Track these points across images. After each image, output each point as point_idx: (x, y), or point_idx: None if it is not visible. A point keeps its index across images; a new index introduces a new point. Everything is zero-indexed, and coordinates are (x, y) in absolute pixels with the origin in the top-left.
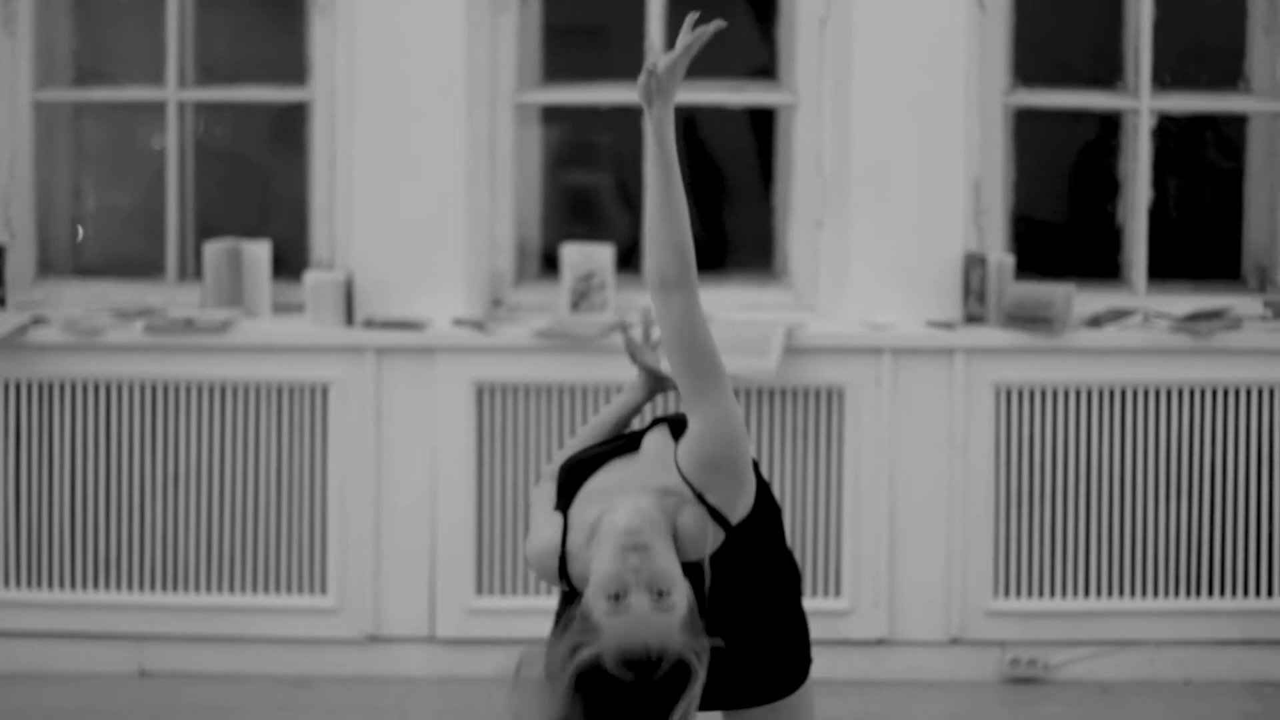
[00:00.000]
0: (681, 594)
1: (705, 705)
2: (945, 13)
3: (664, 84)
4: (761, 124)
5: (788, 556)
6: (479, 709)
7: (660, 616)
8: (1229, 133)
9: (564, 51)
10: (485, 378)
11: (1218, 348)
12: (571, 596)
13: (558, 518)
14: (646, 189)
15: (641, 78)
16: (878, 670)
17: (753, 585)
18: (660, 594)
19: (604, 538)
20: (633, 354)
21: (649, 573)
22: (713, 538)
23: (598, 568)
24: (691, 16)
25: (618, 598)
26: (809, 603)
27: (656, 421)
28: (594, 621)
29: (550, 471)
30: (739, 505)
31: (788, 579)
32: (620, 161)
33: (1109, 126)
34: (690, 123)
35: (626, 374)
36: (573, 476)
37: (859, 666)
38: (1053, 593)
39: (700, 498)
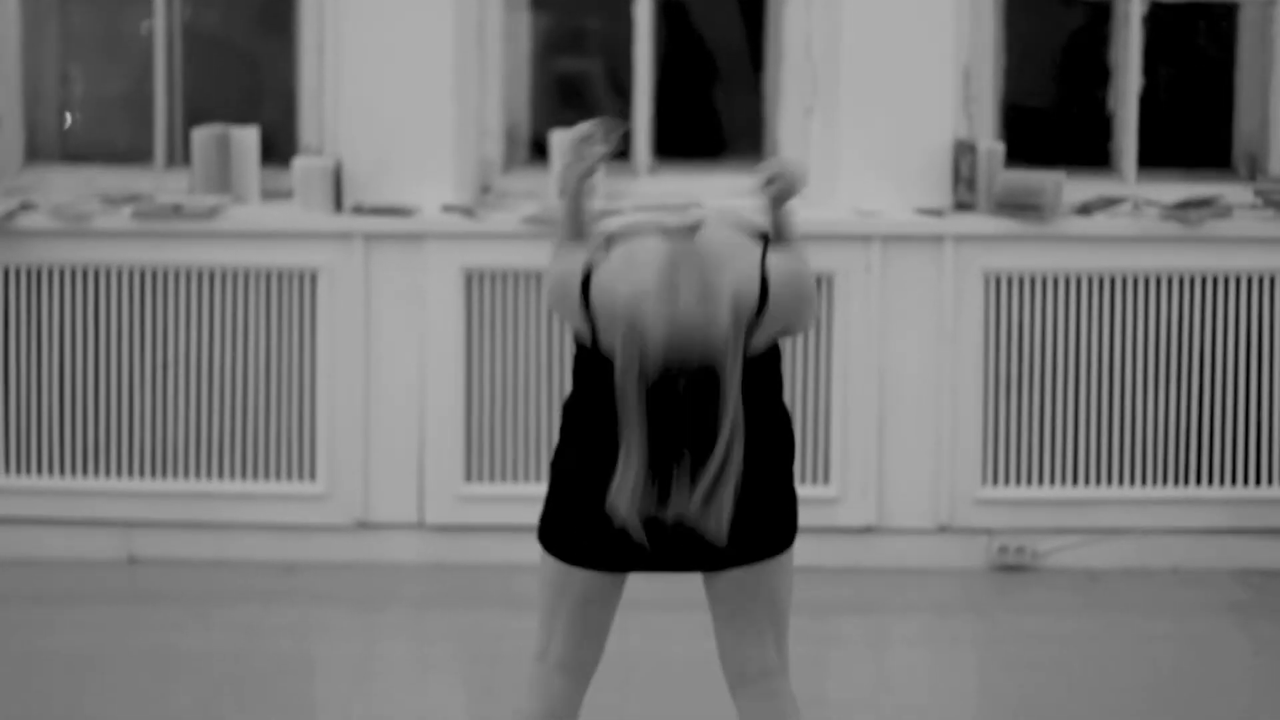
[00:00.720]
0: (727, 310)
1: (686, 565)
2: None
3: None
4: (751, 10)
5: (786, 418)
6: (467, 595)
7: (706, 308)
8: (1219, 20)
9: None
10: (474, 264)
11: (1207, 236)
12: (582, 357)
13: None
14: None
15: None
16: (866, 557)
17: (756, 432)
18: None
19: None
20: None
21: (702, 269)
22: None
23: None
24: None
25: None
26: (798, 489)
27: None
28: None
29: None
30: (790, 318)
31: (784, 439)
32: (610, 47)
33: (1099, 13)
34: (681, 10)
35: None
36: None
37: (847, 553)
38: (1041, 481)
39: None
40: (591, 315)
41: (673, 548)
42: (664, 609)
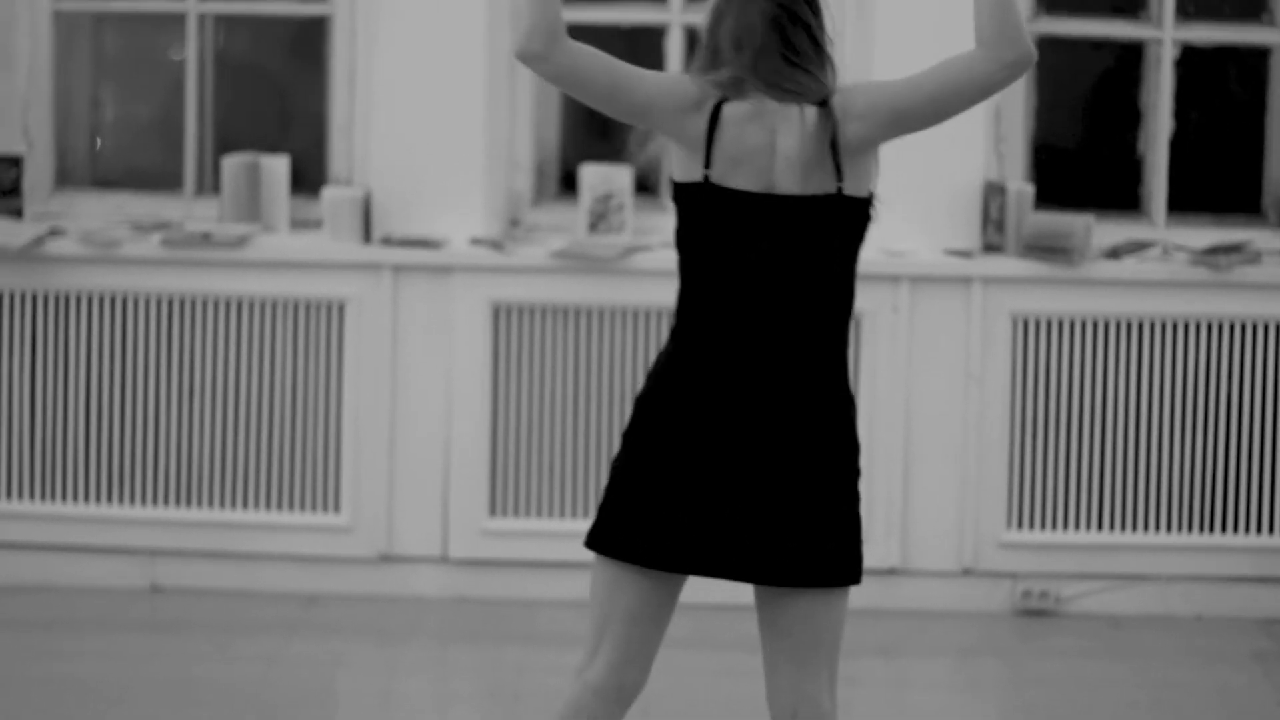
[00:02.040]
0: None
1: (747, 573)
2: None
3: None
4: None
5: (857, 446)
6: (489, 630)
7: None
8: (1251, 64)
9: None
10: (502, 297)
11: (1236, 281)
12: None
13: None
14: None
15: None
16: (889, 599)
17: (830, 454)
18: None
19: None
20: None
21: None
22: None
23: None
24: None
25: None
26: None
27: None
28: None
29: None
30: (864, 153)
31: (854, 467)
32: None
33: (1129, 55)
34: None
35: (643, 296)
36: None
37: (870, 595)
38: (1066, 525)
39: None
40: (713, 142)
41: (736, 552)
42: (686, 647)
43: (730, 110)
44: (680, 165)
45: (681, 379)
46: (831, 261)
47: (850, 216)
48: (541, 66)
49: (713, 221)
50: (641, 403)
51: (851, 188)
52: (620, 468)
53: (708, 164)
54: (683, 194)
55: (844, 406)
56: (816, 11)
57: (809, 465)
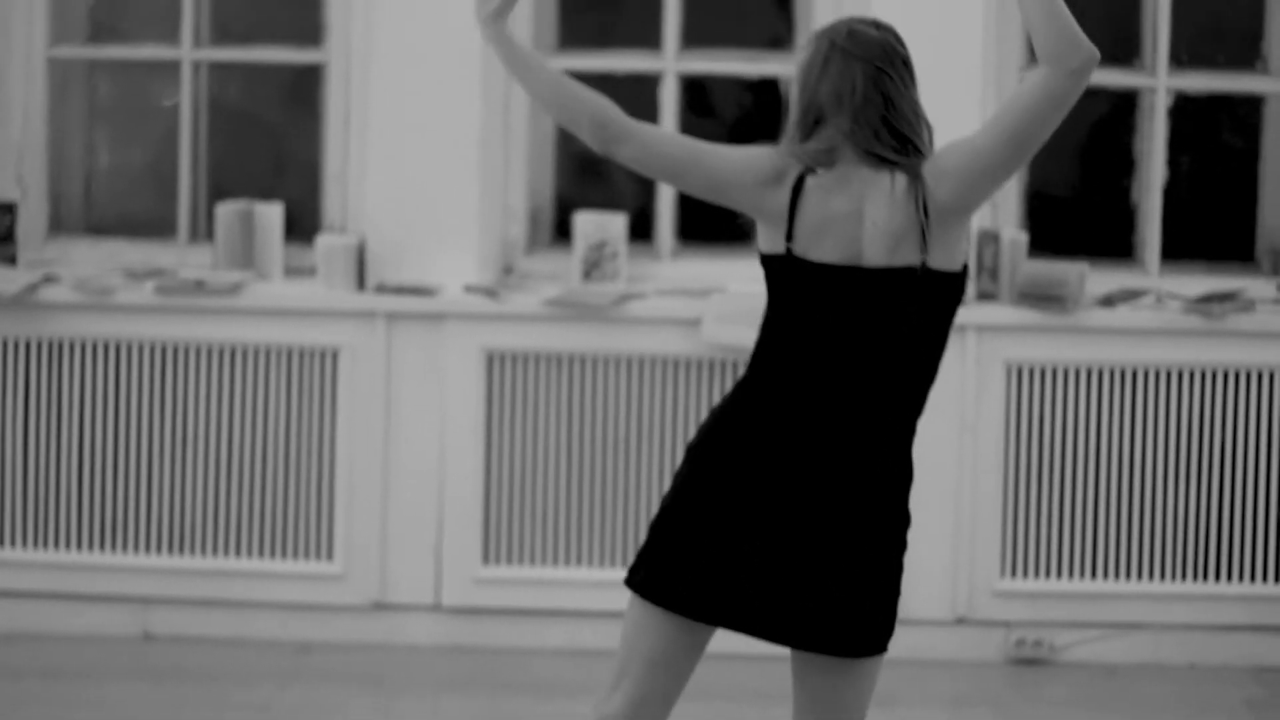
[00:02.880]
0: None
1: (780, 636)
2: None
3: (495, 14)
4: (770, 95)
5: (907, 516)
6: (483, 678)
7: None
8: (1244, 113)
9: (577, 17)
10: (495, 345)
11: (1230, 330)
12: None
13: None
14: None
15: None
16: None
17: (880, 522)
18: None
19: None
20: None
21: None
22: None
23: None
24: None
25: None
26: None
27: None
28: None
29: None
30: (954, 222)
31: (902, 538)
32: None
33: (1122, 103)
34: (702, 91)
35: (637, 344)
36: None
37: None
38: (1060, 574)
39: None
40: (795, 215)
41: (772, 612)
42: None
43: (814, 181)
44: (764, 237)
45: (746, 435)
46: (913, 336)
47: (936, 291)
48: (613, 156)
49: (796, 292)
50: (699, 450)
51: (939, 260)
52: (668, 511)
53: (790, 237)
54: (767, 264)
55: (904, 481)
56: (913, 76)
57: (861, 537)
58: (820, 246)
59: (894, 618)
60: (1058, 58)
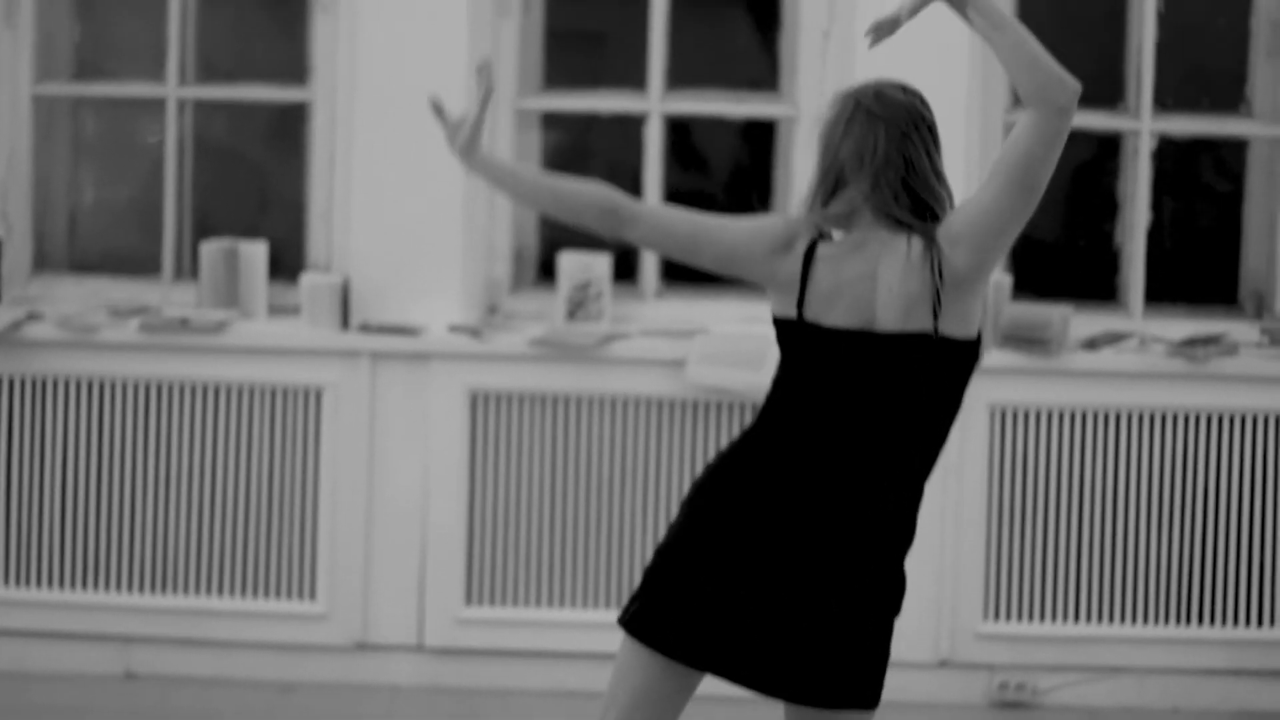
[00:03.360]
0: None
1: (768, 687)
2: (949, 29)
3: (468, 147)
4: (755, 136)
5: (903, 576)
6: (465, 718)
7: None
8: (1227, 156)
9: (563, 57)
10: (480, 385)
11: (1213, 373)
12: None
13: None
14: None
15: (450, 137)
16: None
17: (877, 578)
18: None
19: None
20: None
21: None
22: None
23: None
24: (482, 64)
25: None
26: None
27: None
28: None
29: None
30: (969, 288)
31: (897, 602)
32: (612, 167)
33: (1106, 147)
34: (684, 132)
35: (621, 384)
36: None
37: None
38: (1043, 617)
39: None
40: (807, 282)
41: (762, 663)
42: None
43: (827, 248)
44: (775, 301)
45: (750, 486)
46: (922, 402)
47: (949, 358)
48: (623, 239)
49: (807, 356)
50: (701, 496)
51: (952, 327)
52: (665, 553)
53: (802, 303)
54: (779, 328)
55: (904, 544)
56: (937, 141)
57: (856, 596)
58: (833, 311)
59: (883, 675)
60: (1044, 100)
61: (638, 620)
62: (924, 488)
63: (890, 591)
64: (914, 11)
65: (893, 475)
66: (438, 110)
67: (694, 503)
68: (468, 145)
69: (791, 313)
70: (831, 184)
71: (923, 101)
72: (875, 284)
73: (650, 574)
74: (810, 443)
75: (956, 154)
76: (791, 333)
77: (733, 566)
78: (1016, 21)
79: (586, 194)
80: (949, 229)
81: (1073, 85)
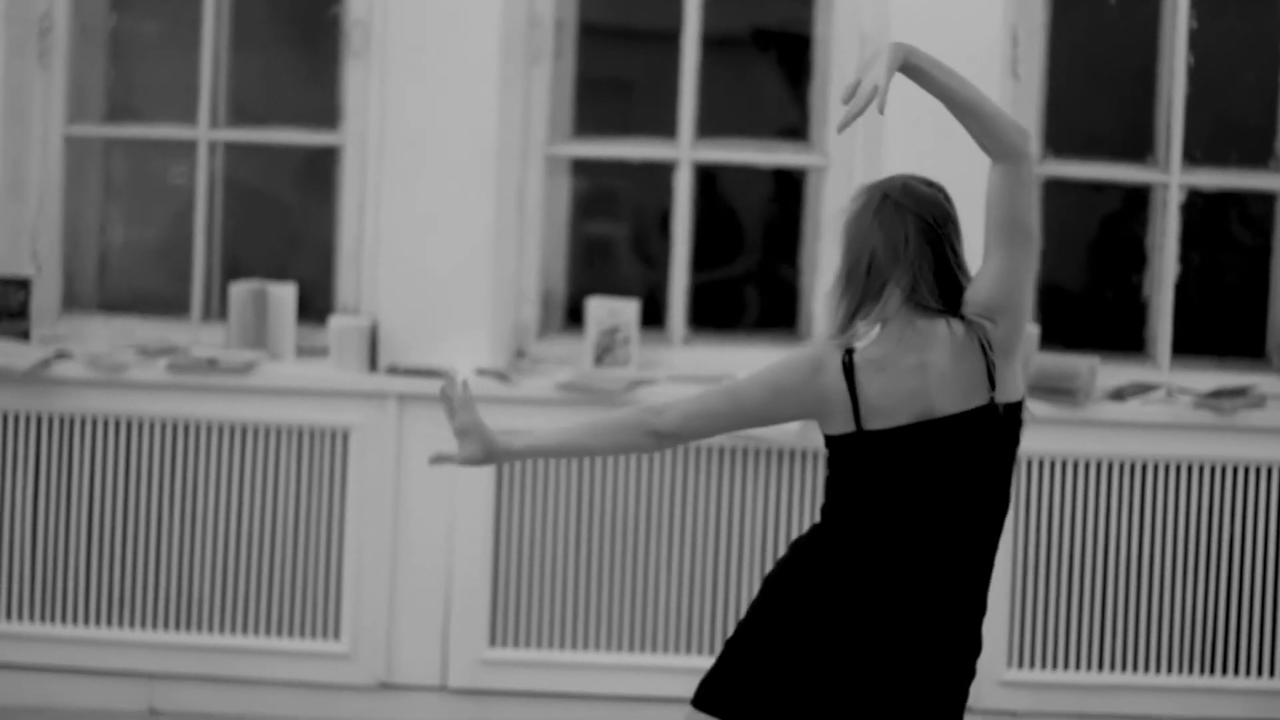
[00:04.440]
0: None
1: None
2: (979, 80)
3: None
4: (787, 183)
5: (979, 642)
6: None
7: None
8: (1256, 210)
9: (593, 104)
10: (507, 429)
11: (1240, 425)
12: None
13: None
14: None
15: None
16: None
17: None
18: None
19: None
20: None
21: None
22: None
23: None
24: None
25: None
26: None
27: None
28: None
29: None
30: (1012, 353)
31: (973, 662)
32: (640, 214)
33: (1133, 198)
34: (711, 180)
35: None
36: None
37: None
38: (1067, 665)
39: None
40: (856, 395)
41: None
42: None
43: (863, 355)
44: (827, 424)
45: (839, 586)
46: (993, 472)
47: (1007, 424)
48: (676, 446)
49: (875, 461)
50: (797, 594)
51: (1006, 395)
52: (758, 639)
53: (858, 417)
54: (836, 444)
55: (983, 615)
56: (960, 233)
57: (944, 672)
58: (892, 413)
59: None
60: (1011, 151)
61: (731, 703)
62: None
63: (971, 660)
64: (883, 93)
65: (975, 550)
66: (446, 395)
67: (792, 601)
68: (492, 455)
69: (850, 427)
70: (863, 273)
71: (946, 196)
72: (926, 372)
73: (737, 656)
74: (891, 538)
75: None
76: (855, 445)
77: (829, 658)
78: (966, 81)
79: (629, 425)
80: (975, 305)
81: (1019, 128)
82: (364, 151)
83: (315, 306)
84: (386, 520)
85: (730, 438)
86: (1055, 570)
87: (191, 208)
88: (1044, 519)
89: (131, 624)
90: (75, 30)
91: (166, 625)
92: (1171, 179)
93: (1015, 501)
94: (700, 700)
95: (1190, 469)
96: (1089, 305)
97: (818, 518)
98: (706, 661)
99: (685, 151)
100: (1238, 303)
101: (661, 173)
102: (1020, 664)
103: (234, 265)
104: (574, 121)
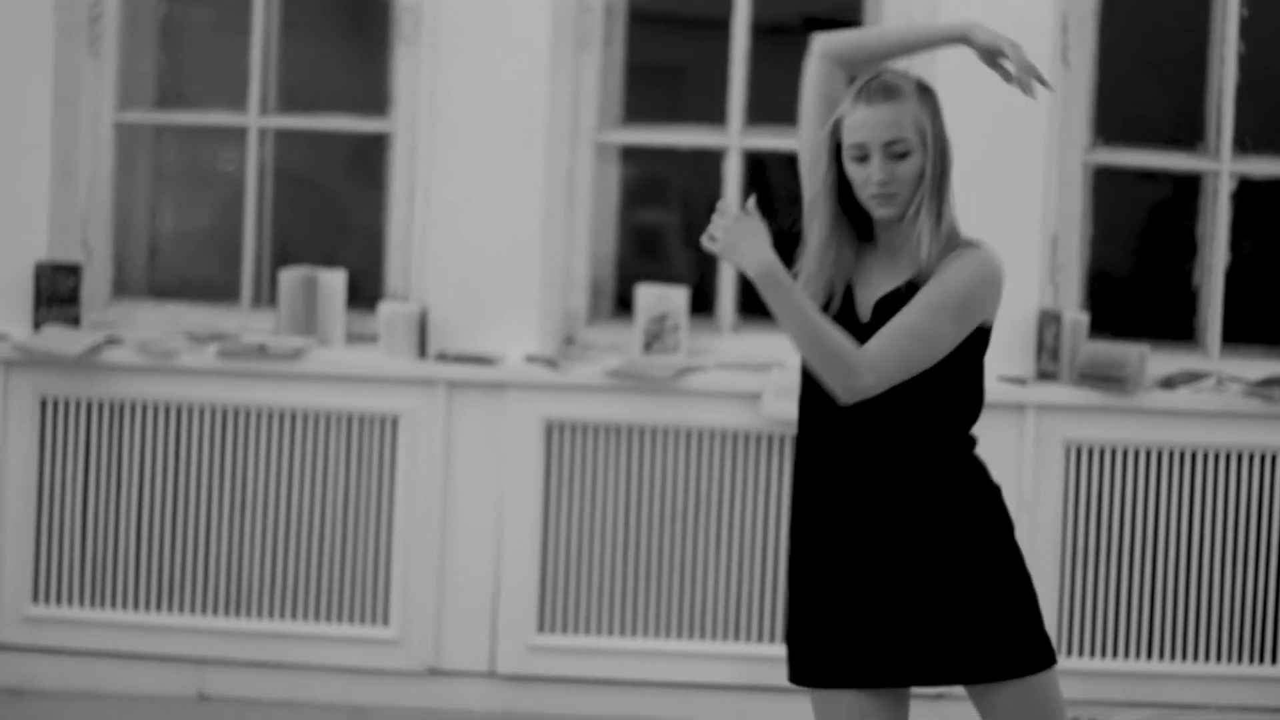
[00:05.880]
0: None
1: (948, 676)
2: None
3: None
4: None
5: (991, 532)
6: None
7: None
8: None
9: (643, 91)
10: (555, 415)
11: None
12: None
13: None
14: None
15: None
16: None
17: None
18: None
19: None
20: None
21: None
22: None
23: None
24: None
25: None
26: None
27: None
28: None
29: None
30: None
31: (994, 554)
32: (689, 201)
33: (1183, 187)
34: (761, 166)
35: (697, 417)
36: None
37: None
38: (1115, 653)
39: None
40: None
41: (923, 654)
42: None
43: None
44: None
45: (796, 508)
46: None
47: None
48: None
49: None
50: (791, 537)
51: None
52: (789, 601)
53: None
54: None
55: (964, 496)
56: None
57: (940, 563)
58: None
59: (1036, 629)
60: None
61: (804, 668)
62: (940, 440)
63: (980, 545)
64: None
65: (895, 440)
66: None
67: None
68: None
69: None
70: (949, 173)
71: None
72: None
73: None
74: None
75: (1034, 194)
76: (984, 343)
77: (818, 583)
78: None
79: (838, 355)
80: None
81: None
82: (414, 138)
83: (365, 293)
84: (435, 506)
85: (781, 427)
86: (1105, 559)
87: (241, 194)
88: (1093, 507)
89: (181, 609)
90: (125, 17)
91: (216, 611)
92: (1222, 167)
93: (1065, 489)
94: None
95: (1240, 457)
96: (1139, 293)
97: None
98: (754, 648)
99: (735, 139)
100: None
101: (711, 160)
102: (1068, 652)
103: (284, 252)
104: (624, 108)
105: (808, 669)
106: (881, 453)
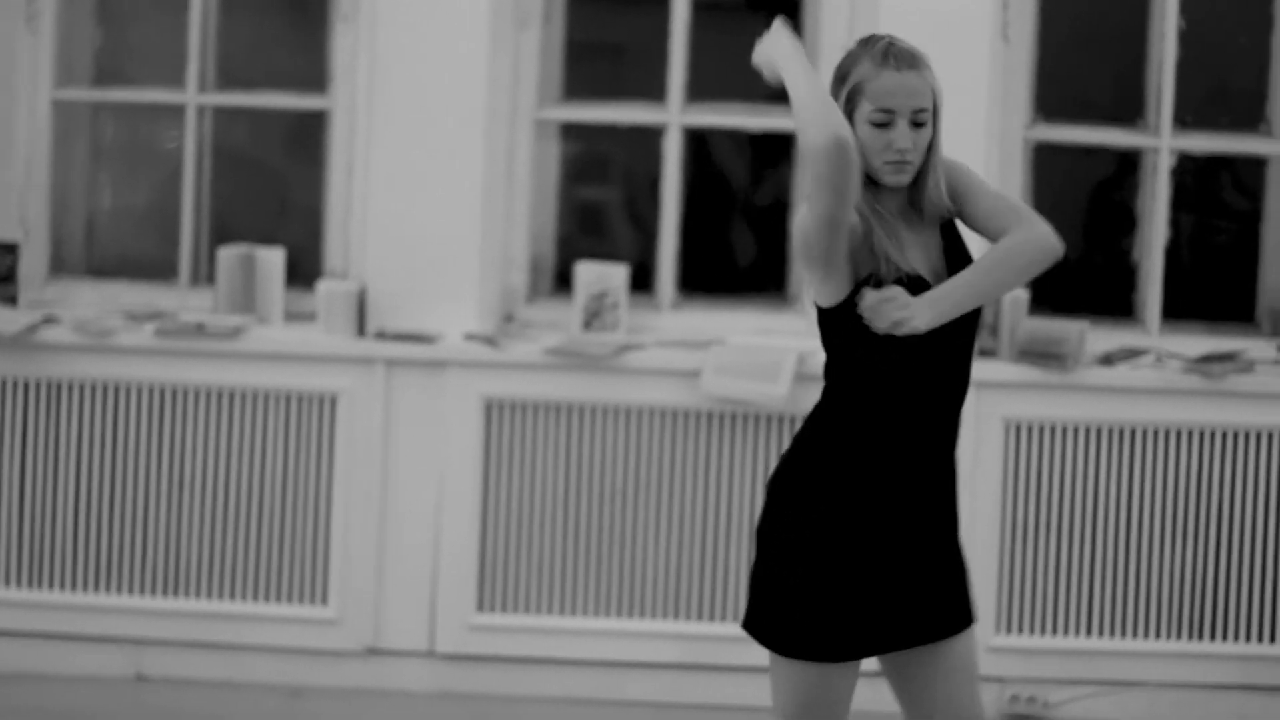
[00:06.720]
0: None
1: (919, 637)
2: (969, 44)
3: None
4: (774, 148)
5: None
6: None
7: None
8: (1247, 174)
9: (582, 68)
10: (495, 393)
11: (1229, 390)
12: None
13: None
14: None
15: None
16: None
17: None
18: None
19: None
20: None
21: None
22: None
23: None
24: None
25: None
26: None
27: None
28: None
29: None
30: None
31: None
32: (630, 178)
33: (1125, 163)
34: (703, 144)
35: (636, 395)
36: None
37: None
38: (1055, 630)
39: None
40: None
41: (926, 619)
42: None
43: None
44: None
45: (864, 484)
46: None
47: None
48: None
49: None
50: (822, 510)
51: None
52: (813, 576)
53: None
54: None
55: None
56: None
57: (952, 530)
58: None
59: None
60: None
61: (815, 642)
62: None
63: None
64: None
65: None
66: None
67: (817, 520)
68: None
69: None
70: None
71: None
72: None
73: (793, 593)
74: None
75: (975, 170)
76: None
77: (879, 555)
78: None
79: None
80: None
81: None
82: (352, 116)
83: (303, 271)
84: (374, 485)
85: (721, 405)
86: (1044, 536)
87: (179, 172)
88: (1032, 484)
89: (119, 589)
90: None
91: (154, 591)
92: (1162, 143)
93: (1004, 466)
94: (795, 653)
95: (1179, 434)
96: (1079, 269)
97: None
98: (694, 626)
99: (675, 116)
100: (1228, 268)
101: (651, 136)
102: (1008, 630)
103: (222, 230)
104: (563, 85)
105: (847, 642)
106: (955, 425)
